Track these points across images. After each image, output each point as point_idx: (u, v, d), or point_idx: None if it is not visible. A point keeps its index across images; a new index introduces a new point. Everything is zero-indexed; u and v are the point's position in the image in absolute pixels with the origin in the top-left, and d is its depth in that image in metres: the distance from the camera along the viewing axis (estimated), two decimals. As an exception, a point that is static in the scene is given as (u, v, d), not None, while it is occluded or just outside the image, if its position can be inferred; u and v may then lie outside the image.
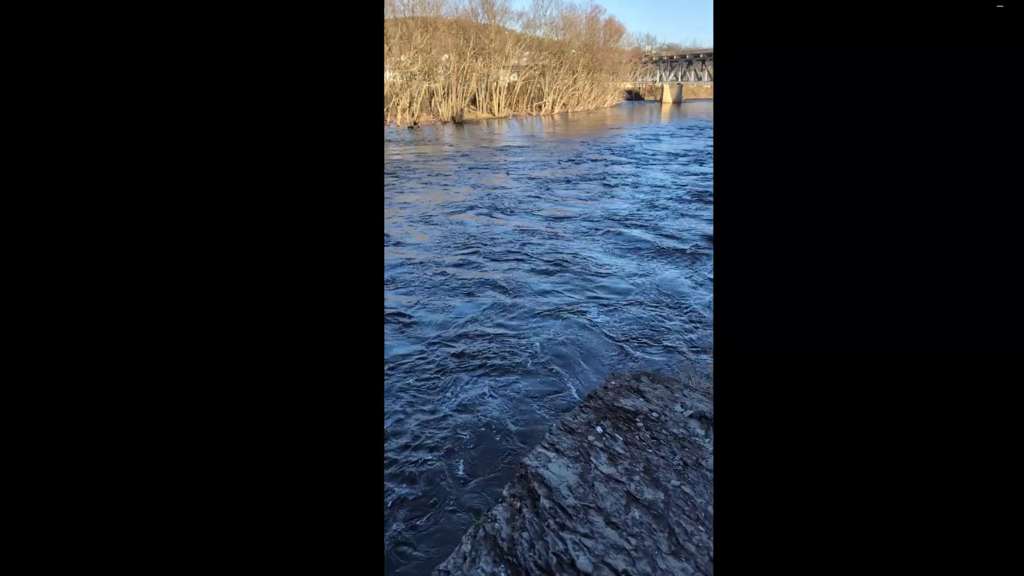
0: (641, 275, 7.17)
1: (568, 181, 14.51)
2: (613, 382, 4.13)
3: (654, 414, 3.46)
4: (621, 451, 3.00)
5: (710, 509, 2.49)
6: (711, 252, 8.41)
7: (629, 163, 17.47)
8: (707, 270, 7.45)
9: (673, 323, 5.67)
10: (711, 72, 53.92)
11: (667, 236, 9.00)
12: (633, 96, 62.82)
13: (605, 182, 14.22)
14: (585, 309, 6.06)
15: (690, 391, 3.95)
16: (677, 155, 19.42)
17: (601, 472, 2.75)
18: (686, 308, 6.08)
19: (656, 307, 6.10)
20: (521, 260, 7.85)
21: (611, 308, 6.15)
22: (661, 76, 59.16)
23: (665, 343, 5.30)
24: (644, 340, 5.39)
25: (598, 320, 5.71)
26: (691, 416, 3.45)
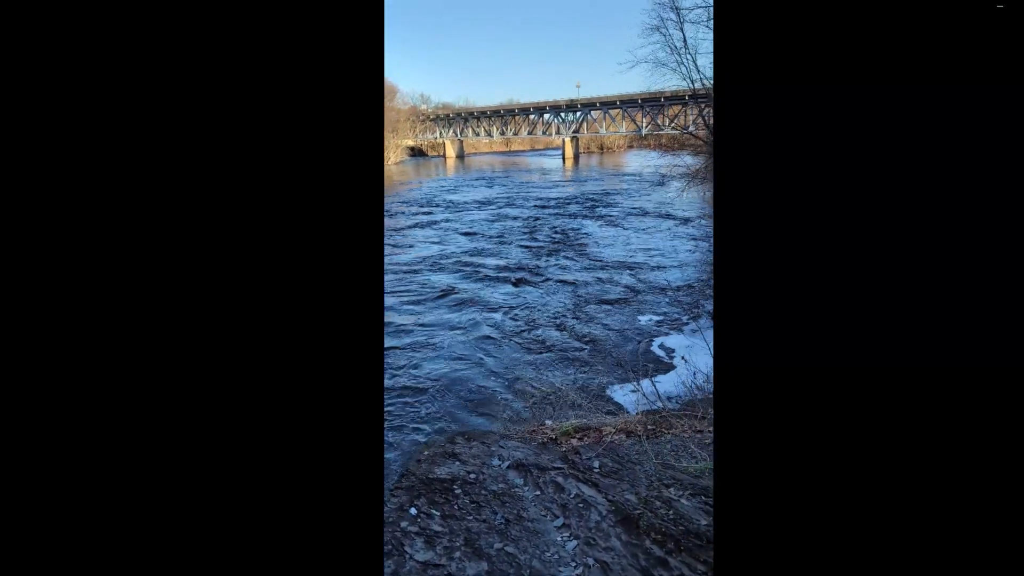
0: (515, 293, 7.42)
1: (396, 230, 14.52)
2: (426, 452, 3.98)
3: (472, 476, 3.41)
4: (439, 528, 2.84)
5: (535, 563, 2.49)
6: (541, 270, 9.23)
7: (442, 211, 18.11)
8: (550, 274, 8.38)
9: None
10: (488, 128, 59.98)
11: (520, 261, 9.51)
12: (416, 152, 65.94)
13: (434, 228, 14.61)
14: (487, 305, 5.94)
15: (506, 440, 4.02)
16: (482, 202, 20.81)
17: (417, 562, 2.55)
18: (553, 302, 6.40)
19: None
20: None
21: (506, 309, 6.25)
22: (441, 132, 63.59)
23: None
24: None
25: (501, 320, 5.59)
26: (509, 467, 3.49)
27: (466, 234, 13.93)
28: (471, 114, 61.29)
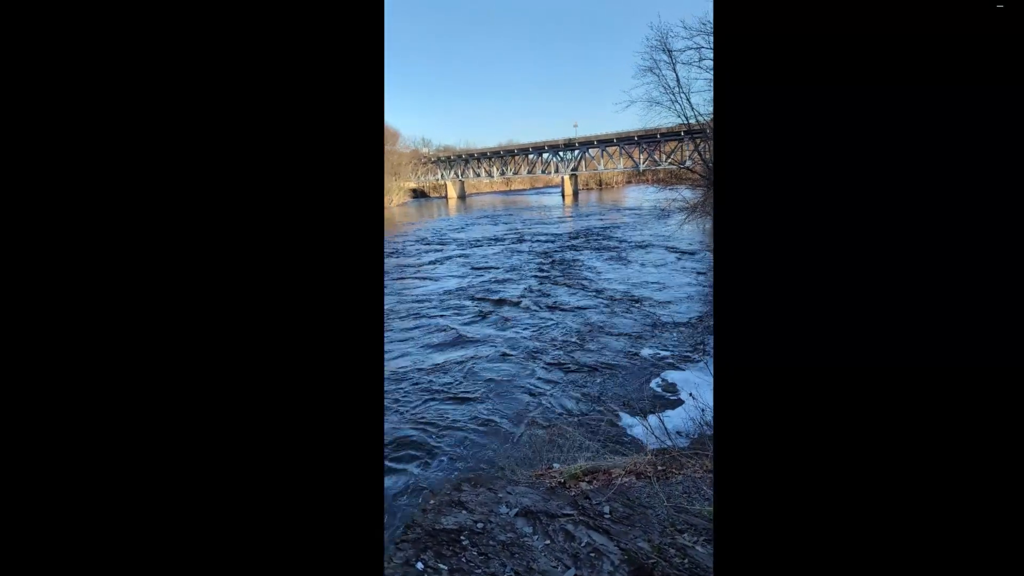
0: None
1: (418, 265, 14.78)
2: (432, 500, 3.89)
3: (479, 525, 3.32)
4: (447, 583, 2.74)
5: (546, 619, 2.39)
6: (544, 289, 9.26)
7: (454, 248, 18.32)
8: (556, 307, 8.44)
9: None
10: (488, 168, 61.12)
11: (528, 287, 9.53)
12: (419, 194, 67.16)
13: (451, 263, 14.82)
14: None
15: (514, 485, 3.93)
16: (488, 239, 21.06)
17: (424, 620, 2.45)
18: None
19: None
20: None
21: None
22: (442, 174, 64.87)
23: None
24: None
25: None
26: (517, 515, 3.40)
27: (475, 269, 14.16)
28: (472, 155, 62.64)
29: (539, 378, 6.57)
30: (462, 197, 63.57)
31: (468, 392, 6.45)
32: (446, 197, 63.58)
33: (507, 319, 9.36)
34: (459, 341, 8.42)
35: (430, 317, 9.76)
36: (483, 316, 9.68)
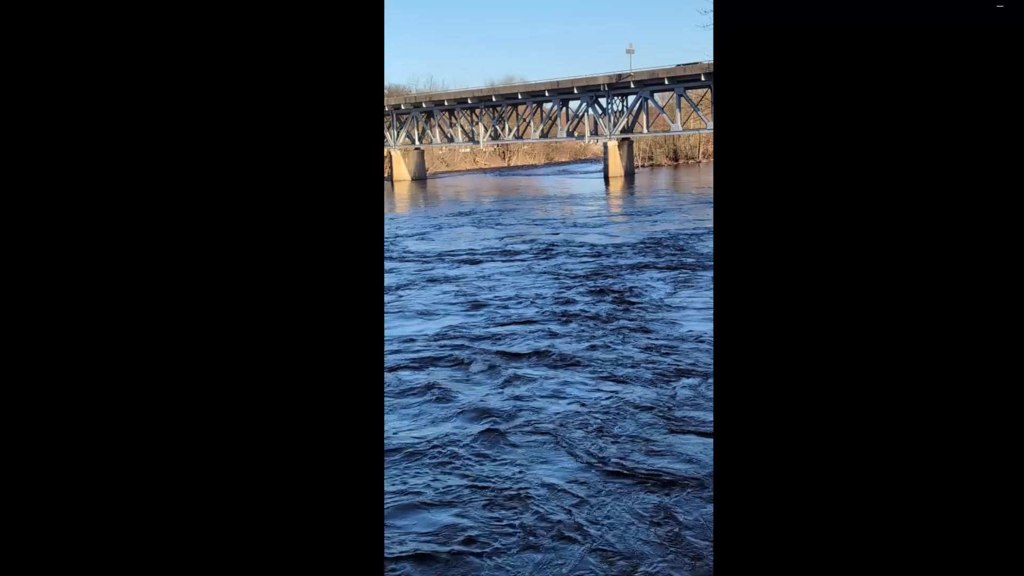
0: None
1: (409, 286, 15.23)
2: None
3: None
4: None
5: None
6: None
7: (417, 268, 18.38)
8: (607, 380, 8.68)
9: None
10: (469, 129, 61.15)
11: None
12: (342, 174, 67.07)
13: (418, 292, 15.71)
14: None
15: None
16: (481, 253, 20.94)
17: None
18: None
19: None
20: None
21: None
22: (386, 137, 64.93)
23: None
24: None
25: None
26: None
27: (458, 302, 14.16)
28: (439, 104, 61.77)
29: (575, 495, 6.52)
30: (420, 179, 63.02)
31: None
32: (391, 178, 64.50)
33: (518, 394, 9.29)
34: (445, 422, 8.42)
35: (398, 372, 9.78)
36: (474, 407, 9.64)
